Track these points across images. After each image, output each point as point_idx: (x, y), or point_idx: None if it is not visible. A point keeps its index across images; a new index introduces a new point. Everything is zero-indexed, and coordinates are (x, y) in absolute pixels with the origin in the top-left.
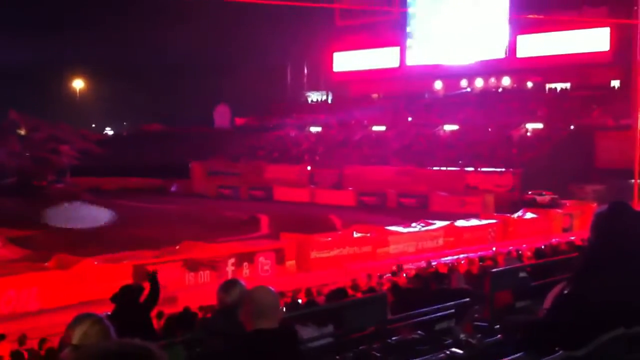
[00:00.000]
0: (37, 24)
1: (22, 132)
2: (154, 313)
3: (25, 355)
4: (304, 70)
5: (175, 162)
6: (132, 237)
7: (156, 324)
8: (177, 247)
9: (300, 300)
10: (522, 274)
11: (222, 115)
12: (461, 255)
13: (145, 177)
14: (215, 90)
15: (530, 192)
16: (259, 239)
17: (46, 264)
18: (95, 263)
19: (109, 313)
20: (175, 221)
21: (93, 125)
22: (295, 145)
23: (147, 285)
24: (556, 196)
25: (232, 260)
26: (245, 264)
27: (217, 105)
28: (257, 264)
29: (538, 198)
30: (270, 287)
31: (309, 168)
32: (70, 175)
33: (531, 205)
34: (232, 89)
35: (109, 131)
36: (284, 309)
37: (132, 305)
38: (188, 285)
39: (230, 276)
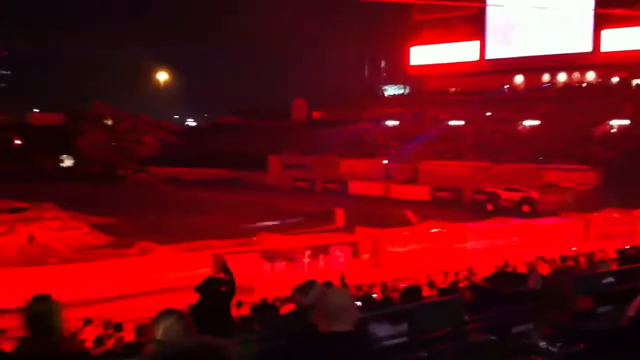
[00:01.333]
0: (123, 17)
1: (108, 122)
2: (233, 302)
3: (111, 340)
4: (380, 64)
5: (251, 155)
6: (210, 227)
7: (235, 312)
8: (255, 237)
9: (374, 295)
10: (607, 279)
11: (299, 109)
12: (540, 255)
13: (222, 168)
14: (293, 83)
15: (504, 188)
16: (334, 232)
17: (128, 250)
18: (175, 251)
19: (193, 303)
20: (252, 212)
21: (175, 117)
22: (371, 139)
23: (224, 275)
24: (531, 195)
25: (308, 252)
26: (321, 256)
27: (295, 98)
28: (332, 256)
29: (503, 195)
30: (346, 290)
31: (384, 162)
32: (152, 165)
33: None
34: (310, 83)
35: (190, 122)
36: (359, 303)
37: (214, 295)
38: (265, 275)
39: (306, 268)
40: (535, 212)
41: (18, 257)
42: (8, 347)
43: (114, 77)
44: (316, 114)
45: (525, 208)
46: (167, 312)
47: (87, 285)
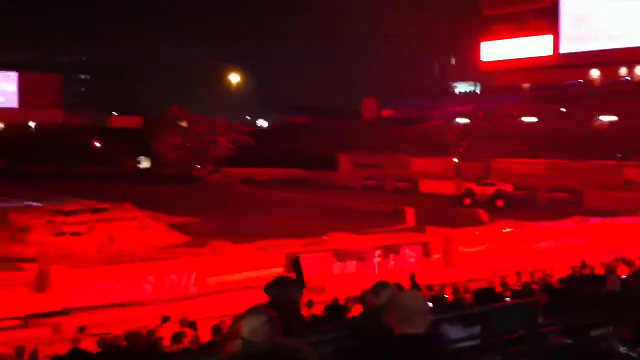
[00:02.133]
0: (196, 20)
1: (183, 125)
2: (304, 301)
3: (188, 338)
4: (451, 61)
5: (323, 154)
6: (282, 226)
7: (306, 312)
8: (325, 237)
9: (446, 296)
10: None
11: (369, 108)
12: (618, 256)
13: (294, 168)
14: (363, 82)
15: (474, 182)
16: (405, 232)
17: (202, 249)
18: (248, 250)
19: (263, 303)
20: (323, 212)
21: (248, 118)
22: (441, 138)
23: (294, 274)
24: (504, 189)
25: (378, 252)
26: (392, 256)
27: (365, 97)
28: (403, 256)
29: (477, 189)
30: (419, 293)
31: (455, 160)
32: (226, 166)
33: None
34: (380, 82)
35: (262, 123)
36: (430, 304)
37: (285, 296)
38: (335, 275)
39: (376, 268)
40: (510, 206)
41: (98, 256)
42: (90, 344)
43: (189, 80)
44: (386, 113)
45: (500, 203)
46: (256, 312)
47: (164, 283)
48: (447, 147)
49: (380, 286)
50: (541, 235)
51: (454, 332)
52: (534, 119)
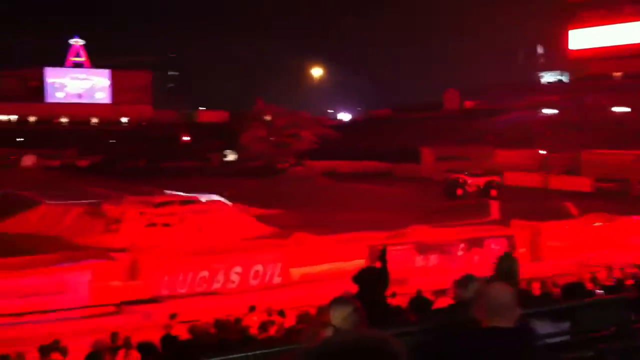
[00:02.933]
0: (281, 17)
1: (268, 119)
2: (387, 293)
3: (274, 327)
4: (536, 50)
5: (404, 147)
6: (364, 219)
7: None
8: (408, 229)
9: (533, 291)
10: None
11: (451, 99)
12: None
13: (376, 161)
14: (445, 74)
15: (465, 172)
16: (489, 225)
17: (286, 241)
18: (331, 242)
19: (351, 293)
20: (405, 204)
21: (330, 111)
22: (527, 129)
23: (378, 265)
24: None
25: (462, 245)
26: (475, 249)
27: (447, 89)
28: (487, 249)
29: (469, 180)
30: (508, 286)
31: (541, 152)
32: (309, 159)
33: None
34: (462, 73)
35: (344, 116)
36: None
37: (372, 286)
38: (418, 267)
39: (459, 261)
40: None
41: (187, 247)
42: (180, 330)
43: (274, 74)
44: (469, 104)
45: (494, 192)
46: (344, 301)
47: (250, 273)
48: (533, 139)
49: (468, 279)
50: (634, 230)
51: (542, 327)
52: (626, 109)
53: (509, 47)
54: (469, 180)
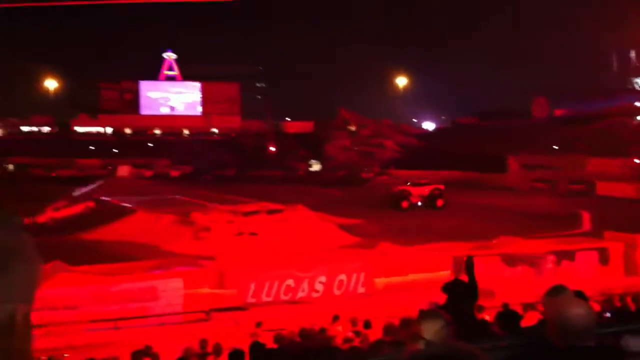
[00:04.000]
0: (364, 26)
1: (352, 128)
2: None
3: (358, 337)
4: (629, 55)
5: (490, 156)
6: (449, 229)
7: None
8: (495, 241)
9: (626, 306)
10: None
11: (540, 107)
12: None
13: (462, 170)
14: (533, 81)
15: (409, 183)
16: (580, 237)
17: (371, 251)
18: (416, 252)
19: (436, 302)
20: (492, 215)
21: (414, 120)
22: (620, 137)
23: (465, 277)
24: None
25: (551, 258)
26: (566, 261)
27: (535, 96)
28: (578, 262)
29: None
30: (585, 303)
31: (637, 161)
32: (393, 168)
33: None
34: (551, 80)
35: (428, 125)
36: (608, 314)
37: (461, 299)
38: (505, 279)
39: (549, 274)
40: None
41: (274, 255)
42: (266, 338)
43: (358, 84)
44: (558, 112)
45: (440, 202)
46: (436, 315)
47: (334, 283)
48: (627, 147)
49: (558, 291)
50: None
51: (636, 343)
52: None
53: (601, 52)
54: (413, 191)
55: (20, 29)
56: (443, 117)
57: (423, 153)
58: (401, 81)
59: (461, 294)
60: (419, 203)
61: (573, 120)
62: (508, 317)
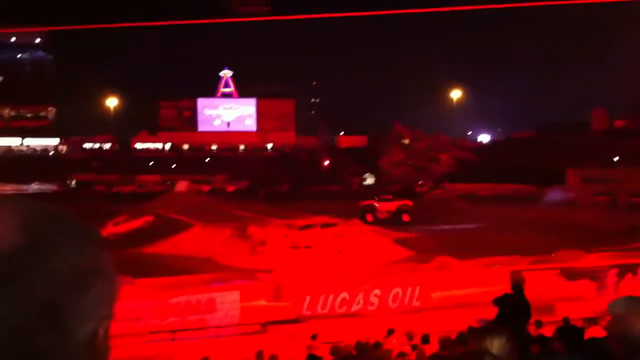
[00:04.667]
0: (416, 40)
1: (406, 142)
2: (531, 321)
3: (415, 352)
4: None
5: (548, 169)
6: (507, 243)
7: (534, 332)
8: (554, 255)
9: None
10: None
11: (599, 119)
12: None
13: (518, 183)
14: (592, 93)
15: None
16: None
17: (427, 265)
18: (473, 267)
19: (486, 318)
20: (549, 229)
21: (469, 133)
22: None
23: (513, 293)
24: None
25: (613, 272)
26: (629, 275)
27: (594, 108)
28: None
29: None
30: None
31: None
32: (448, 182)
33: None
34: (610, 91)
35: (484, 138)
36: None
37: (513, 314)
38: (565, 294)
39: (611, 288)
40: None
41: (328, 269)
42: (322, 351)
43: (412, 98)
44: (619, 123)
45: (406, 218)
46: (499, 330)
47: (389, 296)
48: None
49: (627, 303)
50: None
51: None
52: None
53: None
54: (379, 206)
55: (84, 49)
56: (499, 130)
57: (478, 167)
58: (456, 94)
59: (512, 308)
60: (385, 217)
61: (633, 132)
62: (569, 332)
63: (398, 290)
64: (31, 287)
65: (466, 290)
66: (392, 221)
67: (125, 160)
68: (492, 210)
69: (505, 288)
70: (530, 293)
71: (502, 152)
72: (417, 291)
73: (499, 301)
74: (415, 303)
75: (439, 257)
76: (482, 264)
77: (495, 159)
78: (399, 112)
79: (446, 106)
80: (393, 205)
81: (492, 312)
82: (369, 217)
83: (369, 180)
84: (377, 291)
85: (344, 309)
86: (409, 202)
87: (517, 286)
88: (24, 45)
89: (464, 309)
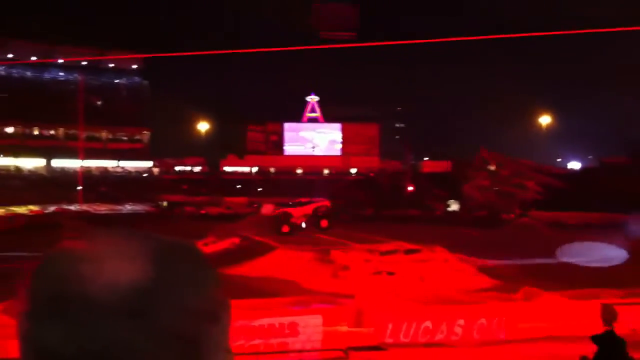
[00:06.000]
0: (505, 65)
1: (491, 168)
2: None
3: None
4: None
5: None
6: (596, 274)
7: None
8: None
9: None
10: None
11: None
12: None
13: (611, 211)
14: None
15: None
16: None
17: (513, 295)
18: (562, 298)
19: (585, 355)
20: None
21: (558, 160)
22: None
23: (608, 327)
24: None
25: None
26: None
27: None
28: None
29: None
30: None
31: None
32: (534, 209)
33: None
34: None
35: (574, 165)
36: None
37: (614, 352)
38: None
39: None
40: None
41: (411, 296)
42: None
43: (498, 123)
44: None
45: (324, 223)
46: None
47: (474, 327)
48: None
49: None
50: None
51: None
52: None
53: None
54: (294, 213)
55: (177, 75)
56: (590, 157)
57: (567, 194)
58: (544, 120)
59: (612, 346)
60: (303, 224)
61: None
62: None
63: (483, 320)
64: (167, 319)
65: (553, 322)
66: (314, 226)
67: (214, 183)
68: (581, 239)
69: (595, 322)
70: (621, 328)
71: (593, 178)
72: (503, 322)
73: (599, 339)
74: (501, 334)
75: (525, 287)
76: (571, 295)
77: (585, 186)
78: (484, 137)
79: (534, 132)
80: (309, 209)
81: (586, 348)
82: (285, 228)
83: (454, 206)
84: (461, 321)
85: (427, 337)
86: (327, 204)
87: (609, 321)
88: (122, 70)
89: (550, 342)
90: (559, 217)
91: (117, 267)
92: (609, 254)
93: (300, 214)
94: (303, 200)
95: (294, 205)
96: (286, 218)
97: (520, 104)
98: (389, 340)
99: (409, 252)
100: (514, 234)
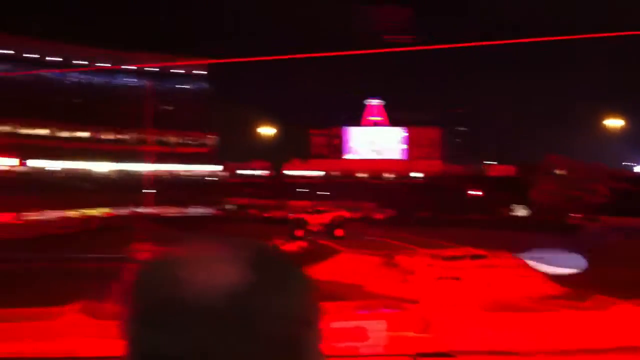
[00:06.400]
0: (570, 68)
1: (559, 172)
2: None
3: None
4: None
5: None
6: None
7: None
8: None
9: None
10: None
11: None
12: None
13: None
14: None
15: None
16: None
17: (583, 303)
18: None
19: None
20: None
21: (630, 164)
22: None
23: None
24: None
25: None
26: None
27: None
28: None
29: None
30: None
31: None
32: (604, 214)
33: None
34: None
35: None
36: None
37: None
38: None
39: None
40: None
41: (477, 302)
42: None
43: (566, 126)
44: None
45: (339, 232)
46: None
47: (543, 335)
48: None
49: None
50: None
51: None
52: None
53: None
54: (311, 220)
55: (242, 80)
56: None
57: (638, 198)
58: (615, 123)
59: None
60: (318, 231)
61: None
62: None
63: (551, 328)
64: (265, 325)
65: (626, 332)
66: (328, 235)
67: (278, 186)
68: None
69: None
70: None
71: None
72: (572, 331)
73: None
74: (570, 343)
75: (597, 295)
76: None
77: None
78: (553, 141)
79: (605, 136)
80: (326, 218)
81: None
82: (299, 233)
83: (520, 210)
84: (529, 329)
85: (494, 345)
86: (345, 214)
87: None
88: (190, 76)
89: (622, 353)
90: (629, 222)
91: (217, 273)
92: None
93: (316, 222)
94: (321, 208)
95: (312, 212)
96: (301, 223)
97: (590, 107)
98: (455, 347)
99: (474, 257)
100: (583, 240)
